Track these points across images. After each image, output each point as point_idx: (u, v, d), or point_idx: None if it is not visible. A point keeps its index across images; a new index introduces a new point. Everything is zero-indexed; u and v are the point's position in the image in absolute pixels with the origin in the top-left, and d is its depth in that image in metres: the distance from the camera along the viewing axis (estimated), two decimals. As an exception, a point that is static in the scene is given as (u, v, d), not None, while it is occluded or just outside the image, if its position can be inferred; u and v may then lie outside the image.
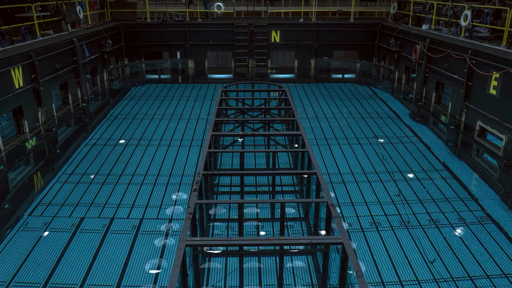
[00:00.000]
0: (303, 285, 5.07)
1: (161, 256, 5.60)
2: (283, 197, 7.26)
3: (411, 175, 8.00)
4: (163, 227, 6.26)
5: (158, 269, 5.35)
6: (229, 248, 5.19)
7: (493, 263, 5.45)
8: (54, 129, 10.46)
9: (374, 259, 5.52)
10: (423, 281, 5.13)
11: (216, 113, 8.37)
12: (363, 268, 5.33)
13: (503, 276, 5.23)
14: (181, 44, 16.57)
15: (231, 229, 6.26)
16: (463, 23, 10.47)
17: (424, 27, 12.94)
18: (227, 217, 6.57)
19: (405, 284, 5.12)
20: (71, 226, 6.25)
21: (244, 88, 11.97)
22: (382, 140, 9.81)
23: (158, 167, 8.33)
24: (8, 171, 8.10)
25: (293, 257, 5.48)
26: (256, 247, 4.99)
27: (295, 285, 5.07)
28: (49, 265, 5.38)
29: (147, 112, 11.87)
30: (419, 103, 12.49)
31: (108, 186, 7.55)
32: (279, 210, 5.27)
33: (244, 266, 5.14)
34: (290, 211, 6.68)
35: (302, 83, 15.46)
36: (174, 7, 17.58)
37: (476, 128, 9.63)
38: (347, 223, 6.37)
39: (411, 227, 6.27)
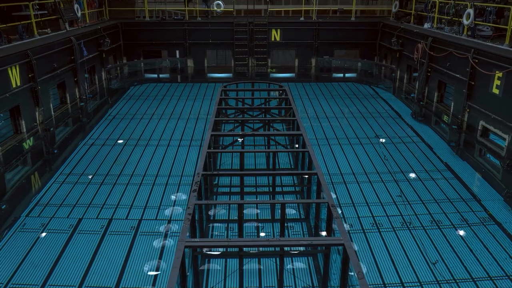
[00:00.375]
0: (304, 287, 5.02)
1: (160, 258, 5.57)
2: (283, 197, 7.22)
3: (413, 176, 7.95)
4: (162, 228, 6.23)
5: (157, 270, 5.33)
6: (228, 249, 5.26)
7: (495, 265, 5.42)
8: (51, 129, 10.40)
9: (375, 261, 5.49)
10: (425, 283, 5.10)
11: (216, 112, 8.33)
12: (364, 270, 5.30)
13: (506, 277, 5.19)
14: (180, 43, 16.49)
15: (230, 230, 6.23)
16: (465, 22, 10.38)
17: (426, 25, 12.86)
18: (227, 218, 6.54)
19: (407, 285, 5.09)
20: (69, 227, 6.22)
21: (244, 88, 11.92)
22: (383, 140, 9.77)
23: (157, 167, 8.29)
24: (5, 171, 8.04)
25: (293, 258, 5.46)
26: (256, 248, 5.00)
27: (295, 287, 5.03)
28: (46, 267, 5.35)
29: (146, 112, 11.82)
30: (421, 103, 12.43)
31: (107, 186, 7.51)
32: (279, 211, 5.23)
33: (244, 267, 5.10)
34: (290, 212, 6.65)
35: (302, 82, 15.41)
36: (173, 5, 17.49)
37: (479, 128, 9.56)
38: (348, 224, 6.34)
39: (413, 228, 6.24)
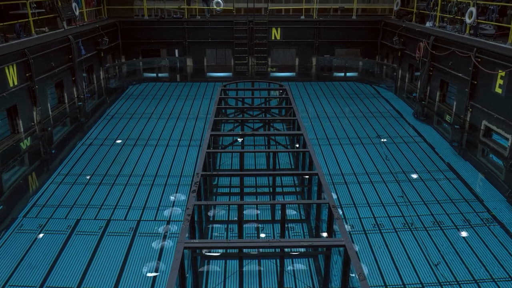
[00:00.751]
0: (305, 289, 4.95)
1: (159, 259, 5.52)
2: (283, 198, 7.16)
3: (414, 176, 7.89)
4: (161, 229, 6.19)
5: (155, 272, 5.29)
6: (228, 251, 5.22)
7: (499, 266, 5.38)
8: (49, 128, 10.33)
9: (377, 262, 5.45)
10: (427, 285, 5.07)
11: (215, 112, 8.26)
12: (366, 271, 5.25)
13: (509, 279, 5.14)
14: (179, 42, 16.40)
15: (230, 231, 6.18)
16: (468, 20, 10.29)
17: (428, 24, 12.78)
18: (227, 219, 6.49)
19: (409, 287, 5.04)
20: (67, 228, 6.18)
21: (244, 87, 11.85)
22: (385, 140, 9.71)
23: (156, 168, 8.23)
24: (2, 172, 7.98)
25: (294, 259, 5.42)
26: (256, 250, 4.97)
27: (296, 289, 4.96)
28: (44, 268, 5.31)
29: (145, 112, 11.76)
30: (423, 102, 12.36)
31: (105, 187, 7.45)
32: (280, 211, 5.19)
33: (244, 269, 5.08)
34: (291, 212, 6.59)
35: (303, 82, 15.34)
36: (172, 4, 17.40)
37: (482, 128, 9.49)
38: (349, 225, 6.30)
39: (414, 229, 6.19)
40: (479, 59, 9.50)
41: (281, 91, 10.36)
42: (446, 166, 8.31)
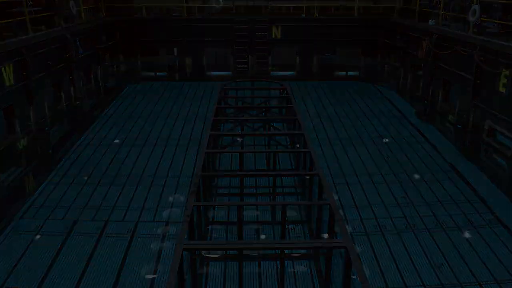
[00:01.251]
0: (305, 292, 4.89)
1: (158, 261, 5.50)
2: (284, 199, 7.13)
3: (417, 176, 7.84)
4: (159, 230, 6.17)
5: (154, 274, 5.27)
6: (228, 252, 5.20)
7: (502, 268, 5.37)
8: (46, 128, 10.25)
9: (378, 264, 5.45)
10: (429, 287, 5.06)
11: (215, 112, 8.19)
12: (367, 273, 5.22)
13: (513, 281, 5.07)
14: (178, 41, 16.31)
15: (230, 232, 6.16)
16: (471, 18, 10.20)
17: (431, 22, 12.68)
18: (226, 220, 6.46)
19: (411, 290, 4.98)
20: (64, 229, 6.16)
21: (244, 86, 11.76)
22: (387, 140, 9.66)
23: (155, 168, 8.18)
24: (-1, 172, 7.91)
25: (294, 261, 5.40)
26: (256, 251, 4.96)
27: (296, 291, 4.91)
28: (41, 270, 5.30)
29: (143, 111, 11.72)
30: (426, 102, 12.25)
31: (103, 187, 7.41)
32: (280, 212, 5.15)
33: (244, 271, 5.03)
34: (291, 213, 6.54)
35: (303, 81, 15.26)
36: (171, 2, 17.31)
37: (485, 128, 9.40)
38: (351, 226, 6.26)
39: (417, 230, 6.17)
40: (483, 58, 9.40)
41: (281, 90, 10.29)
42: (448, 166, 8.26)
